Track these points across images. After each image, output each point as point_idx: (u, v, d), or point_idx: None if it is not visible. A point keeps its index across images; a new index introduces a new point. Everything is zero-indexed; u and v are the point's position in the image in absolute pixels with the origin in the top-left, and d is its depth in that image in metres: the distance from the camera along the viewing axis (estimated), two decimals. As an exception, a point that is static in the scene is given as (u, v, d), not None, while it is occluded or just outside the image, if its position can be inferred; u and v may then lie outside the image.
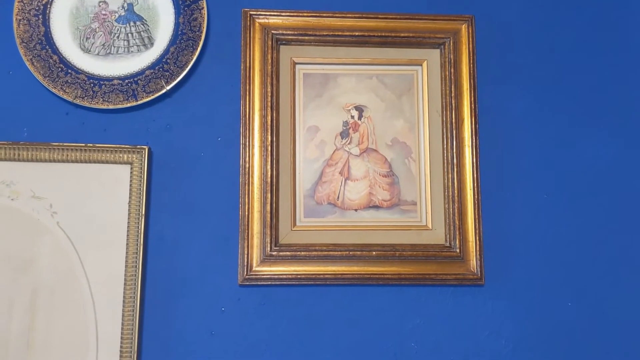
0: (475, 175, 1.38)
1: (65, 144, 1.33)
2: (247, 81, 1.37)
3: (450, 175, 1.38)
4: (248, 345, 1.34)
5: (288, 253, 1.34)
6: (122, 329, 1.30)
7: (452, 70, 1.40)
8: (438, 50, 1.43)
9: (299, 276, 1.34)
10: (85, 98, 1.34)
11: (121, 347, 1.30)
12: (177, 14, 1.39)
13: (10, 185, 1.33)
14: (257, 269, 1.33)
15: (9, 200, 1.32)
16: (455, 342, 1.37)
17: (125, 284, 1.31)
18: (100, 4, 1.41)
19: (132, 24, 1.40)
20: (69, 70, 1.36)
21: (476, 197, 1.37)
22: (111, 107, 1.34)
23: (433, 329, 1.37)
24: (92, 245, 1.32)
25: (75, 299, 1.31)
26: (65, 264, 1.32)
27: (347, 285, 1.36)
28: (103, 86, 1.35)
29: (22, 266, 1.31)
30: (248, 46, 1.38)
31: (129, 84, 1.35)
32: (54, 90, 1.33)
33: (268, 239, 1.33)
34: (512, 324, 1.39)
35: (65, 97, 1.34)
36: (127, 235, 1.32)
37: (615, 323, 1.39)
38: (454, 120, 1.38)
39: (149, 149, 1.33)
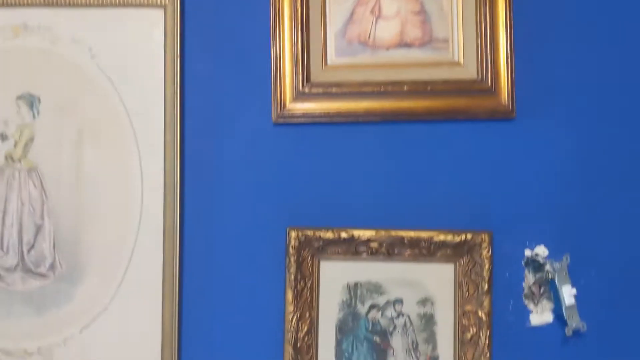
0: (508, 8, 1.35)
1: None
2: None
3: (482, 10, 1.36)
4: (282, 182, 1.38)
5: (320, 90, 1.36)
6: (164, 162, 1.35)
7: None
8: None
9: (330, 113, 1.36)
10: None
11: (164, 180, 1.35)
12: None
13: (51, 30, 1.37)
14: (290, 106, 1.36)
15: (50, 44, 1.36)
16: (486, 175, 1.38)
17: (164, 121, 1.35)
18: None
19: None
20: None
21: (509, 30, 1.35)
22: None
23: (464, 163, 1.39)
24: (131, 85, 1.36)
25: (119, 136, 1.37)
26: (107, 103, 1.37)
27: (379, 122, 1.38)
28: None
29: (67, 107, 1.36)
30: None
31: None
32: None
33: (300, 77, 1.35)
34: (543, 157, 1.39)
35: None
36: (164, 74, 1.36)
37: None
38: (486, -44, 1.35)
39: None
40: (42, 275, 1.39)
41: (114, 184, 1.37)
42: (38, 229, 1.39)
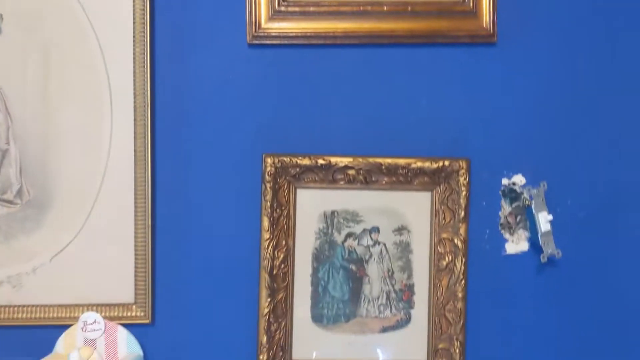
0: None
1: None
2: None
3: None
4: (257, 107, 1.34)
5: (297, 9, 1.31)
6: (134, 85, 1.30)
7: None
8: None
9: (308, 34, 1.32)
10: None
11: (134, 104, 1.30)
12: None
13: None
14: (265, 26, 1.31)
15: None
16: (466, 100, 1.36)
17: (134, 39, 1.30)
18: None
19: None
20: None
21: (492, -50, 1.31)
22: None
23: (444, 88, 1.36)
24: (99, 1, 1.30)
25: (86, 56, 1.31)
26: (73, 20, 1.30)
27: (358, 45, 1.34)
28: None
29: (32, 24, 1.30)
30: None
31: None
32: None
33: (276, -5, 1.29)
34: (523, 84, 1.37)
35: None
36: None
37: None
38: None
39: None
40: (9, 202, 1.34)
41: (82, 107, 1.32)
42: (3, 154, 1.34)
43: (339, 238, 1.40)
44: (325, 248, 1.40)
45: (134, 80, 1.31)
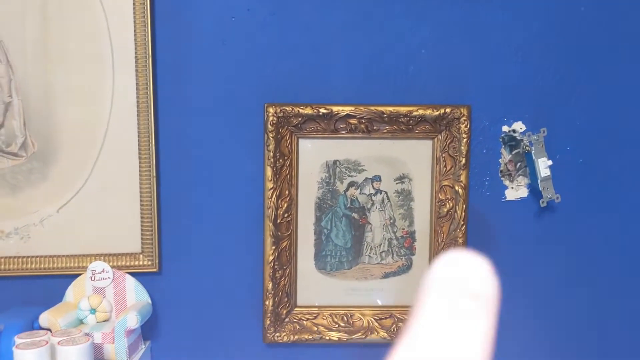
0: None
1: None
2: None
3: None
4: (259, 57, 1.34)
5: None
6: (134, 35, 1.30)
7: None
8: None
9: (308, -19, 1.30)
10: None
11: (135, 53, 1.30)
12: None
13: None
14: (266, -26, 1.30)
15: None
16: (467, 47, 1.37)
17: (134, -10, 1.29)
18: None
19: None
20: None
21: None
22: None
23: (445, 35, 1.37)
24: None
25: (86, 7, 1.30)
26: (72, -30, 1.29)
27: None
28: None
29: (29, -25, 1.29)
30: None
31: None
32: None
33: (276, -57, 1.28)
34: (523, 29, 1.37)
35: None
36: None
37: None
38: None
39: None
40: (14, 155, 1.36)
41: (83, 59, 1.32)
42: (7, 107, 1.34)
43: (341, 187, 1.42)
44: (327, 197, 1.42)
45: (135, 31, 1.31)
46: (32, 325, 1.26)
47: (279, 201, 1.39)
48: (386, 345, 1.45)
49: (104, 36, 1.31)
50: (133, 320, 1.24)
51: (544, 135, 1.36)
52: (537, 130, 1.39)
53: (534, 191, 1.43)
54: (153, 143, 1.34)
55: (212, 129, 1.37)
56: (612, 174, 1.43)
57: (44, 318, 1.25)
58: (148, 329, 1.39)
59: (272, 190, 1.38)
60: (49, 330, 1.23)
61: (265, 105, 1.35)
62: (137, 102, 1.33)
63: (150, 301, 1.36)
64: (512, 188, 1.44)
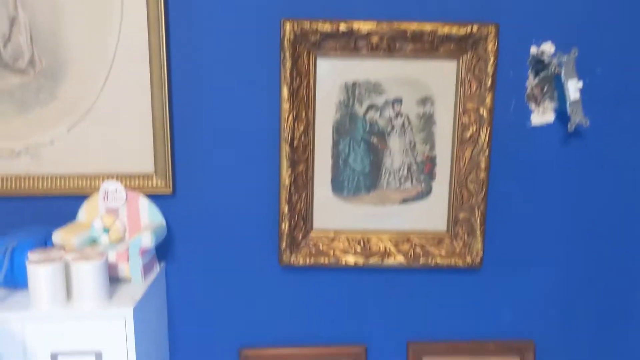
0: None
1: None
2: None
3: None
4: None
5: None
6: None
7: None
8: None
9: None
10: None
11: None
12: None
13: None
14: None
15: None
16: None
17: None
18: None
19: None
20: None
21: None
22: None
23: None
24: None
25: None
26: None
27: None
28: None
29: None
30: None
31: None
32: None
33: None
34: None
35: None
36: None
37: None
38: None
39: None
40: (22, 71, 1.31)
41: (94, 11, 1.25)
42: (12, 21, 1.29)
43: (360, 110, 1.37)
44: (346, 120, 1.37)
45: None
46: (45, 243, 1.24)
47: (296, 123, 1.34)
48: (403, 271, 1.43)
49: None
50: (147, 240, 1.22)
51: (575, 56, 1.29)
52: (566, 51, 1.32)
53: (561, 116, 1.37)
54: (165, 60, 1.29)
55: (226, 46, 1.31)
56: (644, 98, 1.37)
57: (58, 236, 1.23)
58: (163, 251, 1.38)
59: (288, 112, 1.33)
60: (63, 248, 1.21)
61: (282, 20, 1.28)
62: (148, 16, 1.27)
63: (164, 223, 1.34)
64: (538, 113, 1.38)
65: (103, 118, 1.33)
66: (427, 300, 1.45)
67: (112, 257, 1.23)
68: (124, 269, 1.24)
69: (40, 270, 1.09)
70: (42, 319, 1.09)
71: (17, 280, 1.17)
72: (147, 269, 1.27)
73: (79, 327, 1.10)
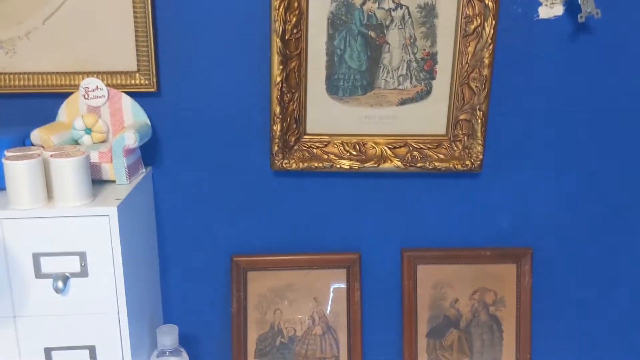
0: None
1: None
2: None
3: None
4: None
5: None
6: None
7: None
8: None
9: None
10: None
11: None
12: None
13: None
14: None
15: None
16: None
17: None
18: None
19: None
20: None
21: None
22: None
23: None
24: None
25: None
26: None
27: None
28: None
29: None
30: None
31: None
32: None
33: None
34: None
35: None
36: None
37: None
38: None
39: None
40: (-11, -44, 1.19)
41: None
42: None
43: (357, 0, 1.27)
44: (341, 12, 1.28)
45: None
46: (24, 143, 1.17)
47: (288, 14, 1.25)
48: (399, 175, 1.37)
49: None
50: (131, 139, 1.15)
51: (591, -63, 1.19)
52: None
53: (570, 9, 1.28)
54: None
55: None
56: (661, -12, 1.27)
57: (36, 135, 1.16)
58: (148, 155, 1.31)
59: (279, 1, 1.23)
60: (42, 148, 1.14)
61: None
62: None
63: (149, 122, 1.27)
64: (546, 5, 1.29)
65: (80, 10, 1.24)
66: (424, 207, 1.40)
67: (94, 157, 1.17)
68: (107, 170, 1.18)
69: (18, 167, 1.03)
70: (21, 218, 1.04)
71: (-7, 180, 1.11)
72: (132, 170, 1.21)
73: (61, 227, 1.05)
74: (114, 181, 1.18)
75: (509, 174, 1.38)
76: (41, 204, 1.05)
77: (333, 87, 1.33)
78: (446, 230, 1.41)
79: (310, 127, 1.35)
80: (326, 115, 1.34)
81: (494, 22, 1.25)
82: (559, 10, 1.29)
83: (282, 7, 1.23)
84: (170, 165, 1.34)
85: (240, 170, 1.35)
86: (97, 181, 1.16)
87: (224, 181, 1.35)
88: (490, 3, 1.25)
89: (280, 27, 1.24)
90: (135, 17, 1.23)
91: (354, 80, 1.33)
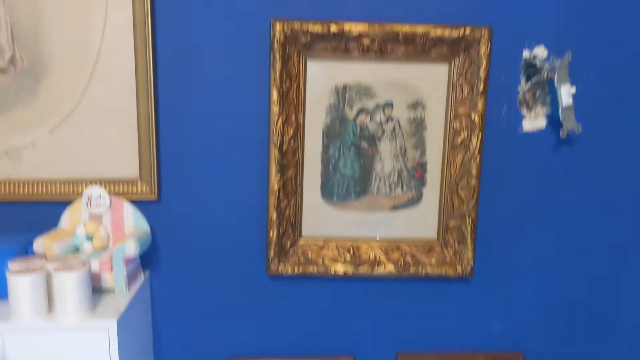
0: None
1: None
2: None
3: None
4: None
5: None
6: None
7: None
8: None
9: None
10: None
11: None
12: None
13: None
14: None
15: None
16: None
17: None
18: None
19: None
20: None
21: None
22: None
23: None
24: None
25: None
26: None
27: None
28: None
29: None
30: None
31: None
32: None
33: None
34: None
35: None
36: None
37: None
38: None
39: None
40: (2, 70, 1.26)
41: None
42: (-8, 19, 1.24)
43: (350, 114, 1.34)
44: (336, 124, 1.35)
45: None
46: (26, 251, 1.19)
47: (285, 127, 1.31)
48: (393, 280, 1.40)
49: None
50: (132, 248, 1.18)
51: (568, 60, 1.28)
52: (559, 55, 1.31)
53: (553, 122, 1.36)
54: (151, 61, 1.25)
55: (214, 46, 1.28)
56: (637, 105, 1.36)
57: (39, 244, 1.18)
58: (147, 259, 1.34)
59: (278, 115, 1.30)
60: (44, 256, 1.16)
61: (272, 20, 1.25)
62: (133, 14, 1.24)
63: (149, 230, 1.30)
64: (530, 118, 1.37)
65: (86, 120, 1.29)
66: (417, 311, 1.42)
67: (95, 266, 1.19)
68: (107, 279, 1.20)
69: (21, 281, 1.05)
70: (23, 331, 1.05)
71: (-4, 290, 1.13)
72: (131, 278, 1.23)
73: (61, 340, 1.06)
74: (113, 290, 1.20)
75: (500, 279, 1.42)
76: (42, 317, 1.06)
77: (328, 193, 1.37)
78: (440, 334, 1.43)
79: (306, 231, 1.39)
80: (321, 219, 1.39)
81: (480, 135, 1.32)
82: (542, 123, 1.36)
83: (280, 120, 1.30)
84: (168, 270, 1.36)
85: (236, 275, 1.37)
86: (96, 288, 1.18)
87: (220, 285, 1.37)
88: (476, 117, 1.32)
89: (279, 140, 1.30)
90: (139, 127, 1.28)
91: (348, 186, 1.38)
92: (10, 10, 1.23)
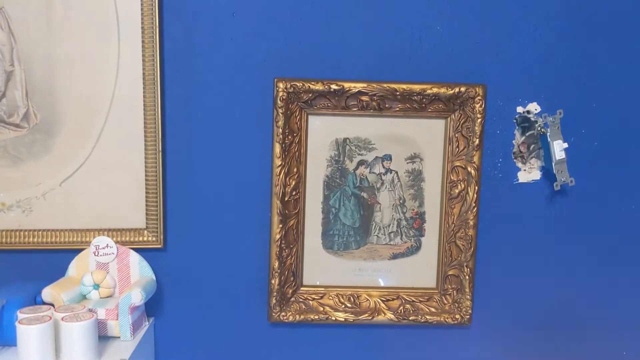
0: None
1: None
2: None
3: None
4: (269, 30, 1.30)
5: None
6: (141, 6, 1.25)
7: None
8: None
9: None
10: None
11: (142, 25, 1.26)
12: None
13: None
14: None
15: None
16: (482, 25, 1.33)
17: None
18: None
19: None
20: None
21: None
22: None
23: (460, 13, 1.32)
24: None
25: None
26: None
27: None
28: None
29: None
30: None
31: None
32: None
33: None
34: (540, 10, 1.33)
35: None
36: None
37: None
38: None
39: None
40: (16, 126, 1.32)
41: (88, 29, 1.28)
42: (8, 76, 1.30)
43: (350, 166, 1.39)
44: (336, 175, 1.39)
45: (142, 2, 1.26)
46: (35, 300, 1.23)
47: (287, 179, 1.36)
48: (393, 327, 1.43)
49: (109, 5, 1.27)
50: (137, 297, 1.22)
51: (560, 117, 1.33)
52: (551, 111, 1.36)
53: (547, 174, 1.40)
54: (159, 116, 1.30)
55: (220, 104, 1.34)
56: (628, 159, 1.40)
57: (47, 293, 1.22)
58: (152, 306, 1.37)
59: (280, 168, 1.35)
60: (52, 305, 1.20)
61: (275, 80, 1.31)
62: (144, 74, 1.29)
63: (154, 277, 1.34)
64: (525, 170, 1.41)
65: (96, 172, 1.34)
66: (417, 357, 1.45)
67: (101, 314, 1.23)
68: (113, 326, 1.23)
69: (30, 331, 1.09)
70: (29, 380, 1.08)
71: (7, 338, 1.16)
72: (136, 326, 1.26)
73: (66, 388, 1.09)
74: (118, 337, 1.23)
75: (498, 327, 1.44)
76: (49, 366, 1.10)
77: (328, 242, 1.41)
78: (439, 382, 1.45)
79: (307, 279, 1.43)
80: (322, 268, 1.42)
81: (476, 187, 1.36)
82: (536, 175, 1.40)
83: (282, 173, 1.35)
84: (172, 316, 1.39)
85: (238, 322, 1.40)
86: (102, 335, 1.21)
87: (222, 332, 1.40)
88: (472, 170, 1.36)
89: (281, 191, 1.35)
90: (146, 179, 1.33)
91: (348, 235, 1.42)
92: (26, 68, 1.30)
